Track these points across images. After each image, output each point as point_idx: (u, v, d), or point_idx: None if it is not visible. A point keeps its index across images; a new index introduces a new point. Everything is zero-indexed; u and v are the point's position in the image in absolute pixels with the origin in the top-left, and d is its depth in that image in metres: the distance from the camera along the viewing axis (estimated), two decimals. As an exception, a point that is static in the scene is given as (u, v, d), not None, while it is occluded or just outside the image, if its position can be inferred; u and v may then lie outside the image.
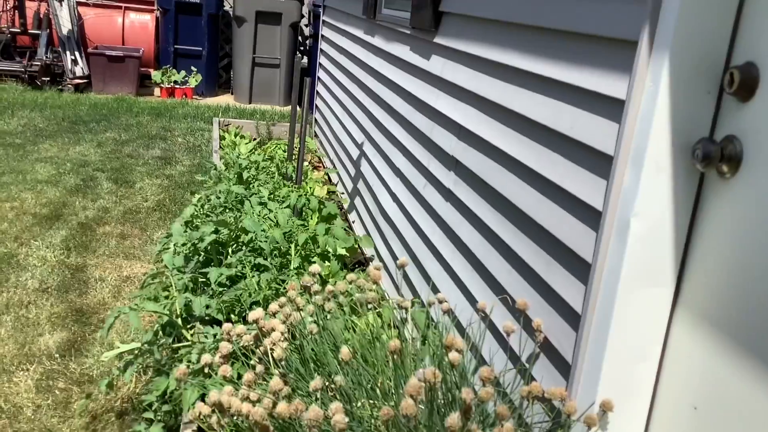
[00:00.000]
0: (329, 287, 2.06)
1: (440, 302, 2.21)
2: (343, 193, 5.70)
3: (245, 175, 4.16)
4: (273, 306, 1.97)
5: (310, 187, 5.10)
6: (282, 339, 1.81)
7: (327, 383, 1.93)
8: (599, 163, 1.83)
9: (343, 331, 2.04)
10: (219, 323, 3.09)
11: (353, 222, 5.22)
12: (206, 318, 3.08)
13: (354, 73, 5.68)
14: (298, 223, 3.69)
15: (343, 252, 3.70)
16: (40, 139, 7.37)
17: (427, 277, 3.27)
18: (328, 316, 1.99)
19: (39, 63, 9.69)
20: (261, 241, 3.09)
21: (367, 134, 4.97)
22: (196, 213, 3.73)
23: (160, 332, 2.98)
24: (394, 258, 3.93)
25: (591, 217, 1.85)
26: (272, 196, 3.95)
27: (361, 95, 5.28)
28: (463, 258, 2.86)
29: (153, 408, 2.64)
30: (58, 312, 3.79)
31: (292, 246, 3.34)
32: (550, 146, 2.14)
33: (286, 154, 6.47)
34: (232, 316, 3.04)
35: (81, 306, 3.88)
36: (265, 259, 3.18)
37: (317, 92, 7.85)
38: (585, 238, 1.87)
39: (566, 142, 2.04)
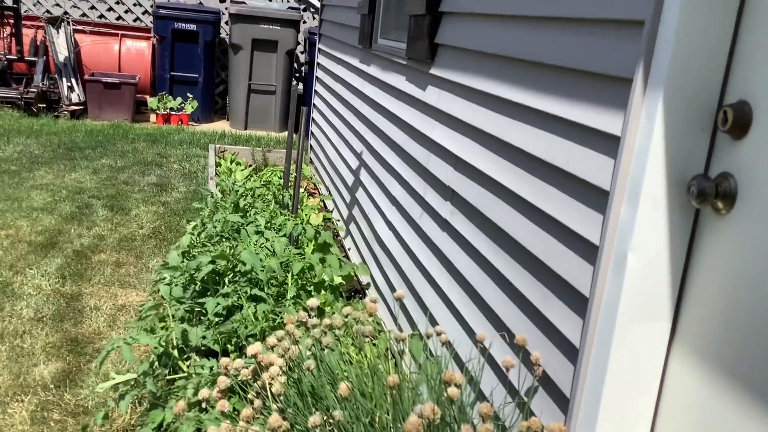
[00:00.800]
0: (326, 320, 2.06)
1: (438, 334, 2.21)
2: (338, 221, 5.72)
3: (242, 203, 4.17)
4: (271, 339, 1.97)
5: (306, 215, 5.11)
6: (280, 373, 1.81)
7: (325, 418, 1.93)
8: (595, 197, 1.85)
9: (340, 363, 2.04)
10: (215, 354, 3.09)
11: (349, 249, 5.22)
12: (202, 348, 3.08)
13: (349, 101, 5.72)
14: (294, 251, 3.70)
15: (339, 281, 3.70)
16: (36, 166, 7.37)
17: (424, 307, 3.27)
18: (326, 350, 1.99)
19: (35, 90, 9.72)
20: (257, 272, 3.09)
21: (363, 161, 5.00)
22: (192, 242, 3.73)
23: (156, 363, 2.98)
24: (390, 286, 3.93)
25: (588, 250, 1.86)
26: (269, 224, 3.96)
27: (357, 123, 5.32)
28: (460, 288, 2.86)
29: (149, 441, 2.62)
30: (53, 342, 3.77)
31: (289, 276, 3.34)
32: (546, 179, 2.16)
33: (282, 181, 6.49)
34: (229, 346, 3.03)
35: (76, 335, 3.87)
36: (262, 290, 3.18)
37: (313, 119, 7.89)
38: (582, 271, 1.88)
39: (562, 175, 2.06)
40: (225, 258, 3.17)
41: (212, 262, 3.18)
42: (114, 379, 3.07)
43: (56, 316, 4.07)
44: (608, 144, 1.80)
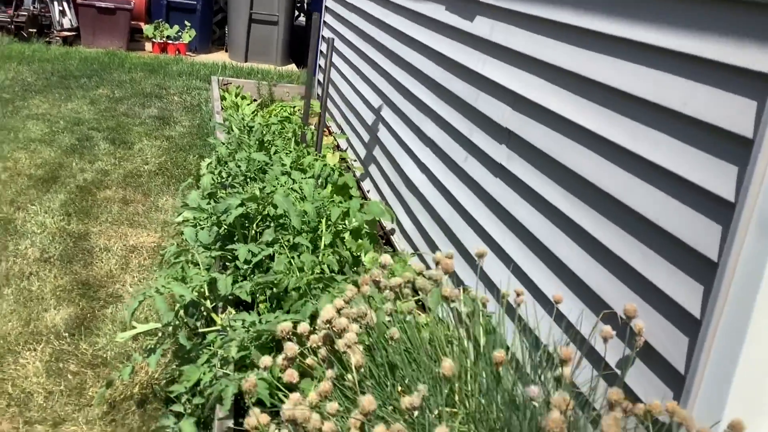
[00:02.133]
0: (397, 279, 1.82)
1: (518, 295, 1.97)
2: (354, 160, 5.43)
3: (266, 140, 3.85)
4: (338, 302, 1.73)
5: (323, 155, 4.82)
6: (356, 341, 1.57)
7: (401, 390, 1.70)
8: (728, 145, 1.59)
9: (412, 330, 1.80)
10: (245, 304, 2.85)
11: (368, 191, 4.96)
12: (229, 298, 2.83)
13: (368, 33, 5.36)
14: (324, 194, 3.43)
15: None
16: (30, 94, 6.98)
17: (468, 258, 3.03)
18: (401, 317, 1.75)
19: (26, 13, 9.22)
20: (291, 217, 2.83)
21: (386, 98, 4.69)
22: (214, 182, 3.44)
23: (182, 312, 2.73)
24: (423, 233, 3.69)
25: (715, 208, 1.61)
26: (294, 164, 3.68)
27: (378, 56, 4.98)
28: (519, 240, 2.62)
29: (182, 400, 2.40)
30: (62, 285, 3.51)
31: (323, 221, 3.08)
32: (650, 123, 1.89)
33: (296, 116, 6.17)
34: (259, 296, 2.79)
35: (87, 278, 3.61)
36: (295, 236, 2.92)
37: (321, 52, 7.50)
38: (705, 231, 1.63)
39: (676, 119, 1.79)
40: (255, 201, 2.90)
41: (241, 204, 2.91)
42: (135, 328, 2.83)
43: (64, 257, 3.80)
44: (753, 83, 1.53)
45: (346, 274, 2.92)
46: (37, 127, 5.91)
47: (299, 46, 10.15)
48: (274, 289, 2.61)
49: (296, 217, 2.88)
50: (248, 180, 3.44)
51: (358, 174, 5.11)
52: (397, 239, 4.15)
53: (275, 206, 2.89)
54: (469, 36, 3.27)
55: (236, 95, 7.06)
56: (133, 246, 4.03)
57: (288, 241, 2.67)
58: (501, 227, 2.78)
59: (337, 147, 6.00)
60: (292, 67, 9.73)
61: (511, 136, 2.77)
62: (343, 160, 5.56)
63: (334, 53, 6.76)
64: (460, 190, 3.21)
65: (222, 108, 6.52)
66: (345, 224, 3.14)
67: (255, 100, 7.34)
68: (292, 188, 3.32)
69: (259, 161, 3.45)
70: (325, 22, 7.44)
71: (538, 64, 2.59)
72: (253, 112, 6.56)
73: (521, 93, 2.68)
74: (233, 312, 2.64)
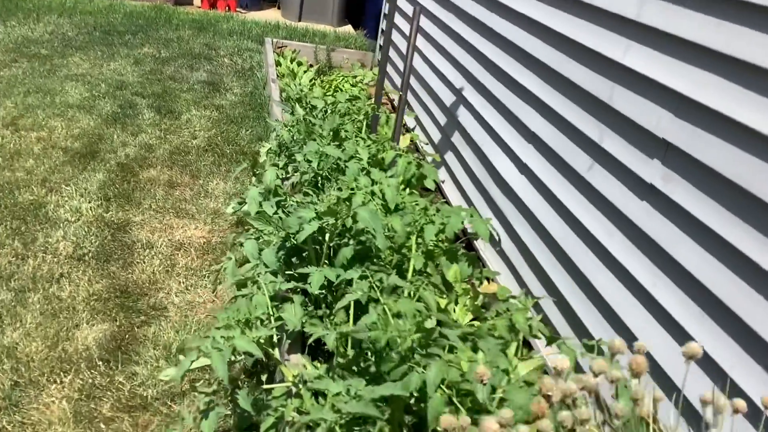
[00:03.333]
0: (571, 385, 1.23)
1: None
2: (426, 144, 4.82)
3: (342, 132, 3.23)
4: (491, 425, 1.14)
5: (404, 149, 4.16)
6: None
7: None
8: None
9: None
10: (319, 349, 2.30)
11: (443, 182, 4.35)
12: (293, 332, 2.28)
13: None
14: (410, 200, 2.85)
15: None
16: (70, 50, 6.47)
17: (594, 295, 2.43)
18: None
19: (68, -38, 8.66)
20: (376, 236, 2.25)
21: (471, 77, 4.05)
22: (278, 176, 2.87)
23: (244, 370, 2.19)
24: (520, 246, 3.09)
25: None
26: (372, 159, 3.09)
27: (463, 29, 4.32)
28: (680, 290, 2.01)
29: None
30: (97, 292, 3.00)
31: (413, 238, 2.50)
32: None
33: (359, 87, 5.56)
34: (342, 349, 2.22)
35: (126, 283, 3.10)
36: (398, 272, 2.36)
37: (384, 14, 6.83)
38: None
39: None
40: (334, 215, 2.33)
41: (316, 216, 2.34)
42: (185, 362, 2.30)
43: (101, 254, 3.29)
44: None
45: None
46: (76, 90, 5.39)
47: (357, 6, 9.47)
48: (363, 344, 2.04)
49: (382, 237, 2.31)
50: (320, 180, 2.87)
51: (430, 160, 4.50)
52: (483, 247, 3.56)
53: (355, 219, 2.31)
54: (603, 12, 2.62)
55: (292, 60, 6.46)
56: (179, 242, 3.50)
57: (380, 281, 2.09)
58: (648, 266, 2.17)
59: (404, 126, 5.38)
60: (349, 28, 9.07)
61: (669, 150, 2.14)
62: (411, 142, 4.94)
63: (404, 20, 6.10)
64: (580, 206, 2.60)
65: (277, 75, 5.92)
66: (438, 242, 2.55)
67: (311, 66, 6.73)
68: (372, 191, 2.74)
69: (334, 157, 2.87)
70: (390, -19, 6.75)
71: (719, 58, 1.95)
72: (311, 81, 5.96)
73: (689, 95, 2.04)
74: (304, 361, 2.08)
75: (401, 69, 5.95)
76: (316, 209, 2.38)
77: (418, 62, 5.33)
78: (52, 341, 2.65)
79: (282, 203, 2.58)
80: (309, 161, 2.88)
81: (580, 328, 2.49)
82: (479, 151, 3.74)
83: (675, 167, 2.10)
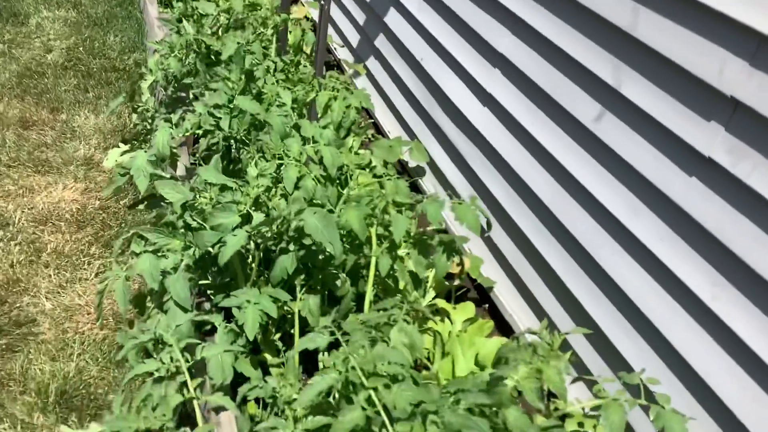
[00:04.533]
0: None
1: None
2: (342, 46, 4.01)
3: (256, 73, 2.35)
4: None
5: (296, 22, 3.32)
6: None
7: None
8: None
9: None
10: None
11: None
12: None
13: None
14: (354, 161, 2.15)
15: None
16: None
17: (608, 283, 1.86)
18: None
19: None
20: (334, 247, 1.58)
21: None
22: (173, 136, 2.08)
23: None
24: (486, 197, 2.48)
25: None
26: (299, 104, 2.32)
27: None
28: (744, 296, 1.47)
29: None
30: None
31: (372, 230, 1.83)
32: None
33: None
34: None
35: (-25, 288, 2.30)
36: (333, 272, 1.70)
37: None
38: None
39: None
40: (271, 224, 1.61)
41: (243, 223, 1.63)
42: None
43: (-65, 245, 2.44)
44: None
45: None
46: None
47: None
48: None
49: (339, 247, 1.63)
50: (234, 144, 2.10)
51: (349, 71, 3.72)
52: (434, 192, 2.92)
53: (305, 233, 1.61)
54: None
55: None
56: (44, 212, 2.68)
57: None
58: (705, 269, 1.60)
59: (307, 19, 4.50)
60: None
61: (737, 112, 1.52)
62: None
63: None
64: (586, 167, 1.98)
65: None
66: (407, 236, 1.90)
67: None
68: (307, 157, 2.02)
69: (251, 113, 2.08)
70: None
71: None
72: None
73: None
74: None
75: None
76: (240, 213, 1.65)
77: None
78: None
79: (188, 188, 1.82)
80: (217, 120, 2.08)
81: (603, 342, 1.93)
82: (418, 66, 3.02)
83: (749, 139, 1.50)
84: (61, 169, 2.94)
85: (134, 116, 2.97)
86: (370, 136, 3.47)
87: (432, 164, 2.94)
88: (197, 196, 1.71)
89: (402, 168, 3.17)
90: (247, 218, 1.66)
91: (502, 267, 2.42)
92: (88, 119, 3.27)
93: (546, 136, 2.16)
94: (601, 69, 1.91)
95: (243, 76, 2.24)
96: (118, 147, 2.99)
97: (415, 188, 3.03)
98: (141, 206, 2.35)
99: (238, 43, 2.65)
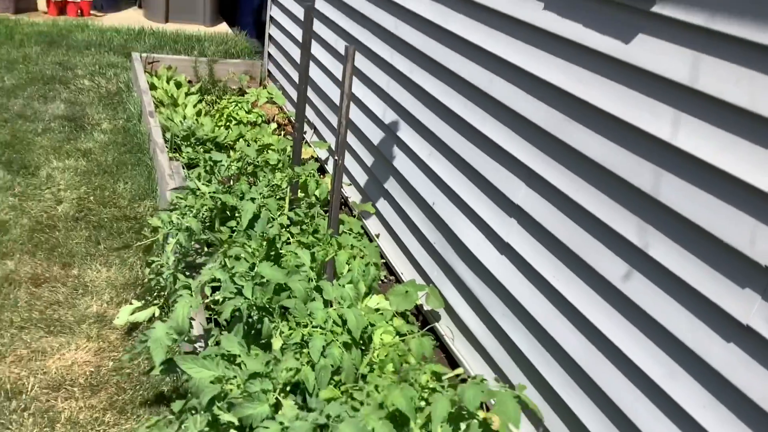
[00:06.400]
0: None
1: None
2: (349, 185, 4.06)
3: (274, 233, 2.36)
4: None
5: (309, 173, 3.32)
6: None
7: None
8: None
9: None
10: None
11: (377, 236, 3.62)
12: None
13: (357, 8, 3.92)
14: (379, 322, 2.12)
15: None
16: None
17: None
18: None
19: None
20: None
21: (398, 106, 3.34)
22: (193, 306, 2.05)
23: None
24: (503, 340, 2.44)
25: None
26: (317, 264, 2.31)
27: (377, 43, 3.58)
28: None
29: None
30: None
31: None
32: None
33: (259, 115, 4.70)
34: None
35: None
36: None
37: (272, 18, 5.96)
38: None
39: None
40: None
41: (273, 411, 1.58)
42: None
43: (-54, 422, 2.37)
44: None
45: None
46: None
47: (231, 1, 8.49)
48: None
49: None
50: (260, 317, 2.07)
51: (356, 211, 3.75)
52: (451, 335, 2.88)
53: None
54: (649, 76, 1.96)
55: (168, 80, 5.49)
56: (59, 376, 2.62)
57: None
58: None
59: (315, 159, 4.59)
60: (224, 27, 8.08)
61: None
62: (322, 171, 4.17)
63: (290, 22, 5.27)
64: (617, 326, 1.96)
65: (154, 101, 4.95)
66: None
67: (190, 82, 5.79)
68: (333, 323, 1.99)
69: (274, 281, 2.07)
70: (274, -20, 5.87)
71: None
72: (195, 106, 5.04)
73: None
74: None
75: (292, 78, 5.14)
76: (267, 397, 1.61)
77: (321, 79, 4.53)
78: None
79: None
80: (238, 288, 2.07)
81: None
82: (430, 210, 3.04)
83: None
84: (74, 328, 2.90)
85: (147, 270, 2.96)
86: (382, 277, 3.46)
87: (449, 309, 2.92)
88: (224, 384, 1.67)
89: (417, 311, 3.14)
90: (276, 407, 1.61)
91: (532, 422, 2.35)
92: (100, 273, 3.26)
93: (570, 291, 2.15)
94: (625, 229, 1.92)
95: (264, 243, 2.24)
96: (131, 303, 2.98)
97: (426, 324, 2.99)
98: (157, 371, 2.30)
99: (252, 199, 2.68)
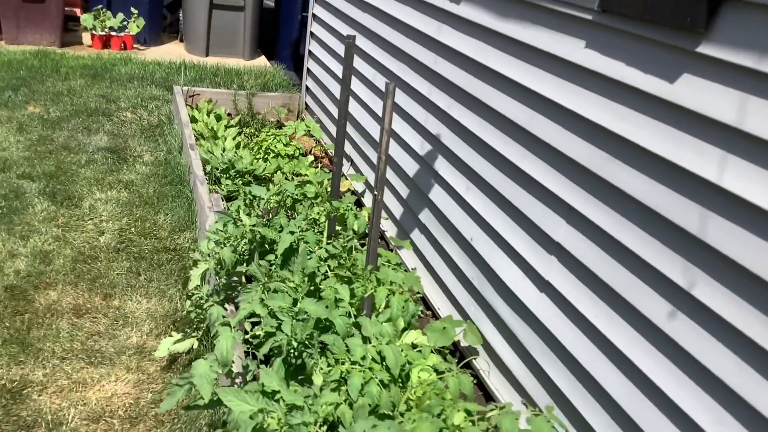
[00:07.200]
0: None
1: None
2: (386, 219, 4.08)
3: (311, 265, 2.39)
4: None
5: (348, 207, 3.33)
6: None
7: None
8: None
9: None
10: None
11: (414, 269, 3.62)
12: None
13: (400, 47, 3.97)
14: (414, 357, 2.11)
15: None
16: (-63, 119, 5.39)
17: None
18: None
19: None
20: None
21: (440, 145, 3.35)
22: (235, 339, 2.07)
23: None
24: (543, 381, 2.41)
25: None
26: (357, 301, 2.32)
27: (416, 78, 3.61)
28: None
29: None
30: None
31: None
32: None
33: (297, 148, 4.75)
34: None
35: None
36: None
37: (310, 52, 6.06)
38: None
39: None
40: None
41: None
42: None
43: (-11, 452, 2.40)
44: None
45: None
46: (-55, 178, 4.38)
47: (269, 35, 8.64)
48: None
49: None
50: (300, 353, 2.08)
51: (392, 245, 3.76)
52: (487, 369, 2.85)
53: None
54: (698, 117, 1.95)
55: (209, 113, 5.58)
56: (97, 409, 2.64)
57: None
58: None
59: (352, 192, 4.62)
60: (263, 60, 8.22)
61: None
62: (357, 202, 4.19)
63: (328, 56, 5.35)
64: (661, 368, 1.92)
65: (194, 134, 5.04)
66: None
67: (230, 115, 5.88)
68: (370, 366, 1.98)
69: (316, 318, 2.08)
70: (314, 14, 5.97)
71: None
72: (234, 139, 5.11)
73: None
74: None
75: (331, 113, 5.20)
76: (309, 430, 1.61)
77: (359, 113, 4.57)
78: None
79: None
80: (278, 323, 2.08)
81: None
82: (468, 245, 3.03)
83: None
84: (114, 359, 2.93)
85: (187, 302, 2.99)
86: (419, 312, 3.44)
87: (486, 345, 2.89)
88: (264, 418, 1.67)
89: (454, 347, 3.11)
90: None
91: (572, 463, 2.31)
92: (140, 304, 3.30)
93: (612, 331, 2.11)
94: (669, 269, 1.89)
95: (305, 278, 2.25)
96: (170, 336, 3.00)
97: (462, 359, 2.96)
98: (204, 402, 2.31)
99: (291, 232, 2.70)
